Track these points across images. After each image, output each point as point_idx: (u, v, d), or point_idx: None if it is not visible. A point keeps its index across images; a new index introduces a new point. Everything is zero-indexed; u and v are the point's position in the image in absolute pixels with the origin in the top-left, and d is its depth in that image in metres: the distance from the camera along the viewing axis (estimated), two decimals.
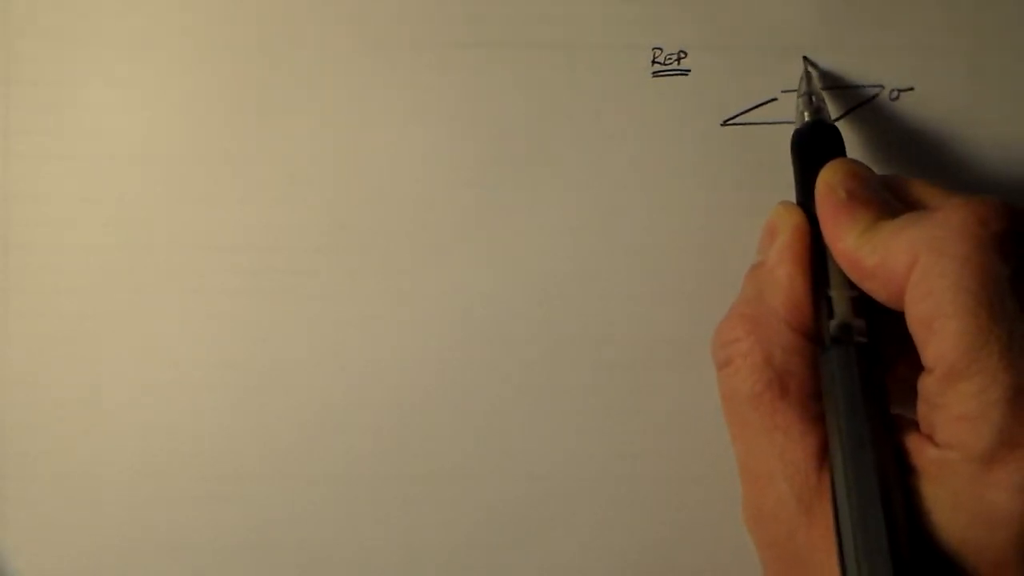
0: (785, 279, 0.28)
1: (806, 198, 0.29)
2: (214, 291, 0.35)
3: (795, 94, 0.33)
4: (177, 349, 0.35)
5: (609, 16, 0.34)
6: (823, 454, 0.26)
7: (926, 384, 0.24)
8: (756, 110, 0.34)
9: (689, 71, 0.34)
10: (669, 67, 0.34)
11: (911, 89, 0.34)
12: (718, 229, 0.34)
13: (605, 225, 0.34)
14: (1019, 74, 0.34)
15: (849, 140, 0.34)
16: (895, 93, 0.34)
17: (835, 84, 0.34)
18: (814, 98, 0.32)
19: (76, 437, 0.35)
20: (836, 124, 0.32)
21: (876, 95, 0.34)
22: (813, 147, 0.30)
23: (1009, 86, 0.34)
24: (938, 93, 0.34)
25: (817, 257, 0.28)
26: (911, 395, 0.26)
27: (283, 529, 0.34)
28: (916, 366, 0.25)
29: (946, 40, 0.34)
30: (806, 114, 0.32)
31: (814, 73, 0.33)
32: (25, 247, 0.35)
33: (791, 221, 0.29)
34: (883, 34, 0.34)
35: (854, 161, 0.29)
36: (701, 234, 0.34)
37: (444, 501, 0.34)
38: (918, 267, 0.24)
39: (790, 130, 0.34)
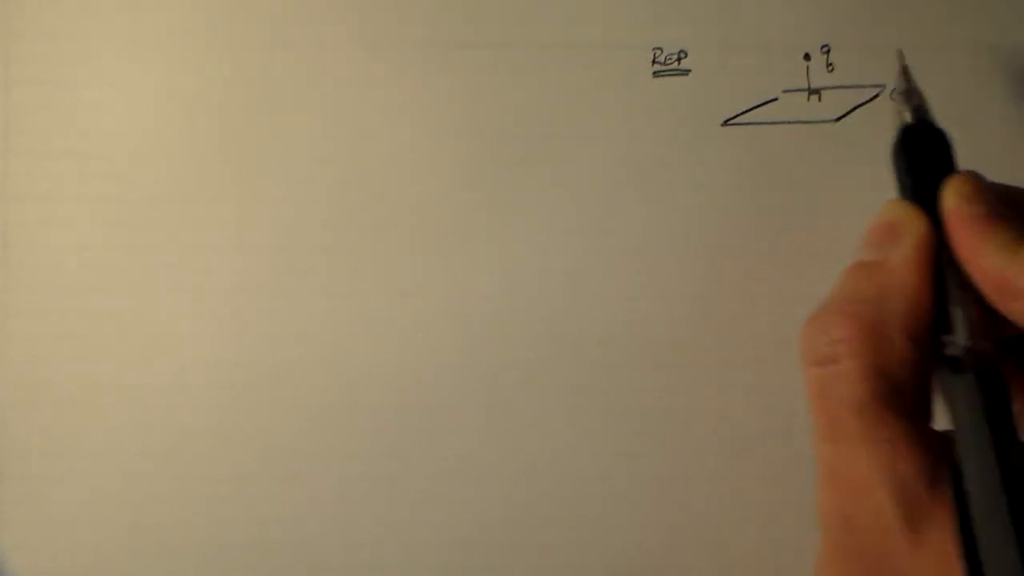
0: (913, 288, 0.26)
1: (922, 189, 0.27)
2: (214, 291, 0.35)
3: (889, 91, 0.32)
4: (177, 349, 0.35)
5: (609, 16, 0.34)
6: (935, 473, 0.24)
7: None
8: (757, 110, 0.34)
9: (689, 71, 0.34)
10: (669, 67, 0.34)
11: None
12: (718, 229, 0.34)
13: (605, 225, 0.34)
14: (1020, 74, 0.34)
15: (850, 140, 0.34)
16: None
17: (836, 84, 0.34)
18: (914, 96, 0.29)
19: (76, 437, 0.35)
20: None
21: (877, 95, 0.34)
22: (923, 151, 0.28)
23: (1009, 86, 0.34)
24: (939, 93, 0.34)
25: (939, 271, 0.26)
26: None
27: (283, 529, 0.34)
28: None
29: (947, 40, 0.34)
30: (907, 113, 0.29)
31: (911, 68, 0.30)
32: (25, 247, 0.35)
33: (920, 226, 0.26)
34: (884, 34, 0.34)
35: (978, 174, 0.27)
36: (701, 234, 0.34)
37: (442, 500, 0.34)
38: None
39: (791, 130, 0.34)
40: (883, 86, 0.34)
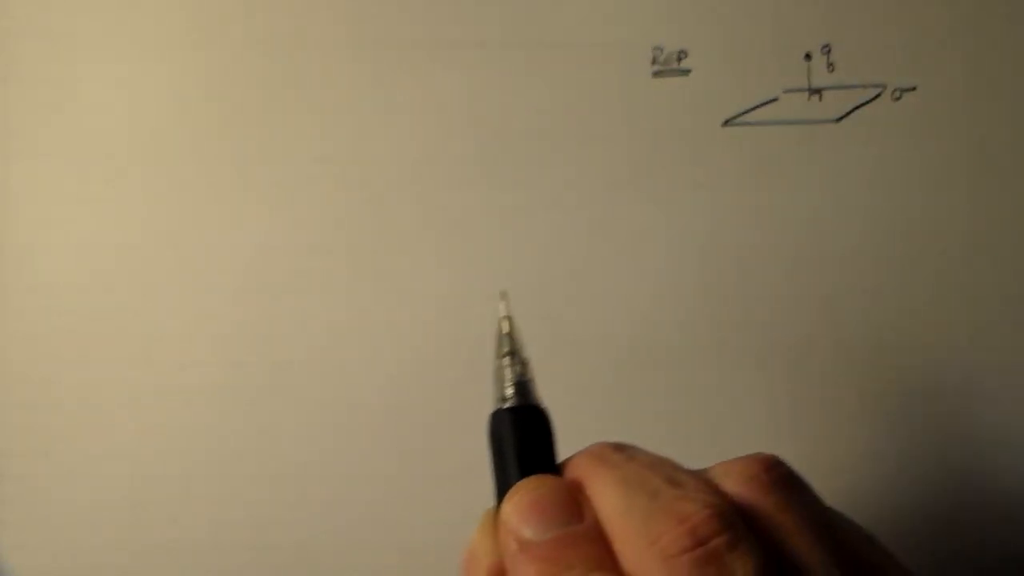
0: None
1: (500, 494, 0.25)
2: (214, 291, 0.35)
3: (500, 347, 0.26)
4: (176, 349, 0.35)
5: (609, 16, 0.34)
6: None
7: None
8: (757, 110, 0.34)
9: (690, 71, 0.34)
10: (670, 67, 0.34)
11: (913, 89, 0.34)
12: (718, 229, 0.34)
13: (605, 225, 0.34)
14: (1020, 74, 0.34)
15: (852, 140, 0.34)
16: (898, 93, 0.34)
17: (838, 84, 0.34)
18: (519, 364, 0.26)
19: (76, 437, 0.35)
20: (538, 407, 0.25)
21: (879, 94, 0.34)
22: (511, 440, 0.25)
23: (1010, 86, 0.34)
24: (940, 93, 0.34)
25: None
26: None
27: (282, 528, 0.34)
28: None
29: (948, 40, 0.34)
30: (508, 387, 0.25)
31: (515, 323, 0.26)
32: (25, 247, 0.35)
33: (484, 564, 0.24)
34: (885, 34, 0.34)
35: (538, 485, 0.24)
36: (701, 234, 0.34)
37: (441, 501, 0.34)
38: None
39: (792, 131, 0.34)
40: (885, 86, 0.34)
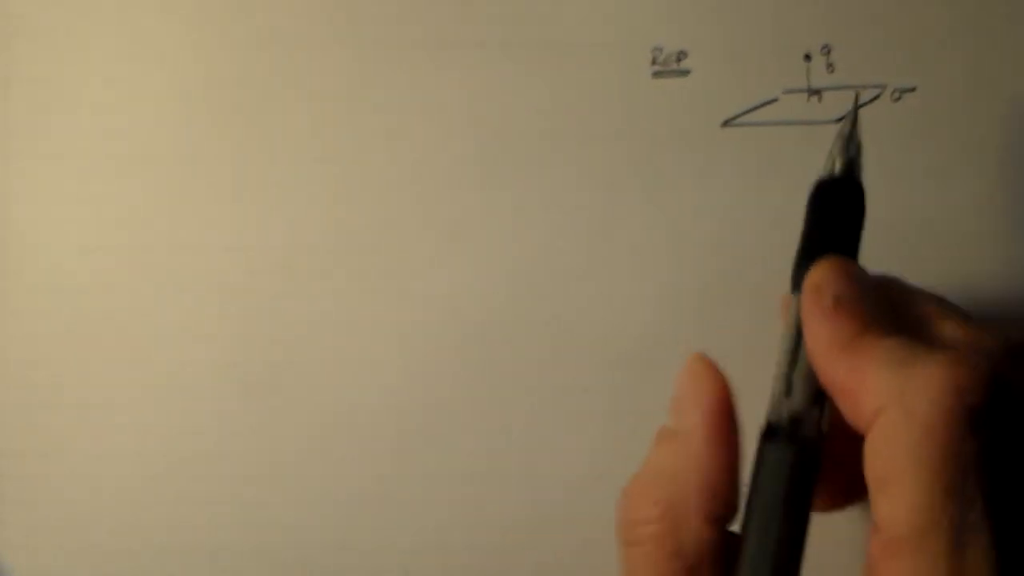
0: (705, 463, 0.25)
1: (806, 259, 0.26)
2: (214, 291, 0.35)
3: (833, 128, 0.29)
4: (176, 349, 0.35)
5: (609, 16, 0.34)
6: None
7: (872, 543, 0.23)
8: (757, 111, 0.34)
9: (689, 71, 0.34)
10: (669, 68, 0.34)
11: (913, 90, 0.34)
12: (718, 231, 0.34)
13: (605, 225, 0.34)
14: (1020, 74, 0.34)
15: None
16: (897, 94, 0.34)
17: (837, 84, 0.34)
18: (852, 146, 0.27)
19: (75, 437, 0.35)
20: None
21: (878, 95, 0.34)
22: (836, 210, 0.27)
23: (1010, 86, 0.34)
24: (940, 93, 0.34)
25: (791, 337, 0.26)
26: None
27: (282, 530, 0.35)
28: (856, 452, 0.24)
29: (948, 40, 0.34)
30: (838, 162, 0.27)
31: (860, 117, 0.28)
32: (25, 247, 0.35)
33: (708, 390, 0.26)
34: (885, 34, 0.34)
35: (849, 262, 0.26)
36: (701, 235, 0.34)
37: (442, 502, 0.34)
38: (883, 418, 0.23)
39: (791, 131, 0.34)
40: (884, 86, 0.34)
